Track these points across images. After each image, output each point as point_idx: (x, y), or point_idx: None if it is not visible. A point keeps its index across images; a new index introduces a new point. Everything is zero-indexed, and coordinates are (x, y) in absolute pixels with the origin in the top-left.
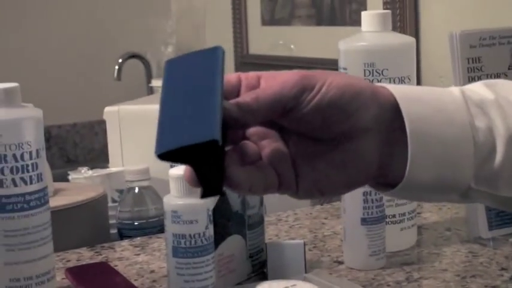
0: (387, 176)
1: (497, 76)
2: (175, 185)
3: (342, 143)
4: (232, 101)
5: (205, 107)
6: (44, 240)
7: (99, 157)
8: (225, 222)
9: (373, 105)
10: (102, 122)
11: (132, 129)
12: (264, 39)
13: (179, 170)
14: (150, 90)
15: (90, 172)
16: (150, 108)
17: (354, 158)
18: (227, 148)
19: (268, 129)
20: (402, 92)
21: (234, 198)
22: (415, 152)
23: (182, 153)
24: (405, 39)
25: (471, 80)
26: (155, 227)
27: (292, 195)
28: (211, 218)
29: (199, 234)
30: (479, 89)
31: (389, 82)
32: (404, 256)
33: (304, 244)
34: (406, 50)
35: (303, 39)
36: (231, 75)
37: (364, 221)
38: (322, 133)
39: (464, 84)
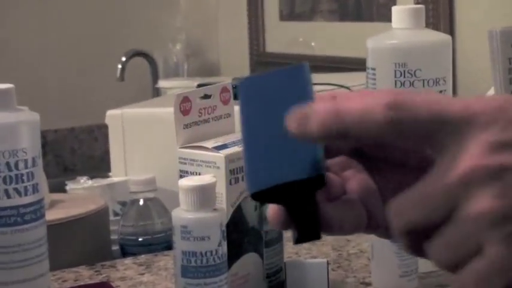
0: None
1: None
2: (185, 198)
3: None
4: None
5: (298, 140)
6: (40, 257)
7: (99, 165)
8: (240, 238)
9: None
10: (103, 127)
11: (137, 135)
12: (283, 36)
13: (190, 180)
14: (156, 92)
15: (89, 182)
16: (156, 112)
17: None
18: None
19: (348, 158)
20: None
21: (250, 211)
22: None
23: (280, 191)
24: (440, 36)
25: None
26: (161, 244)
27: (382, 235)
28: (225, 234)
29: (211, 251)
30: None
31: (423, 84)
32: (439, 277)
33: (328, 263)
34: (441, 48)
35: (325, 36)
36: None
37: None
38: (413, 160)
39: (505, 87)
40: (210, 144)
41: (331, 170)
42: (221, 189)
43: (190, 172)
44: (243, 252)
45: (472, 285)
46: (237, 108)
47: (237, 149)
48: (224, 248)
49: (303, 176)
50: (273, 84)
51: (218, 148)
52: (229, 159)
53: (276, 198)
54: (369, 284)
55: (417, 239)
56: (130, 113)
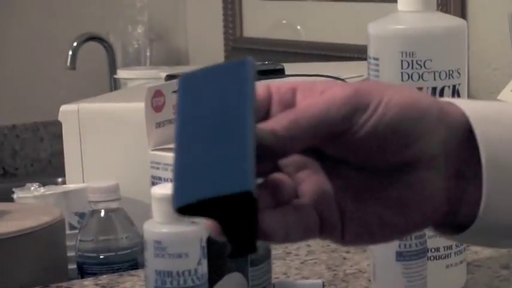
0: (455, 217)
1: None
2: (159, 208)
3: (400, 175)
4: (266, 126)
5: (233, 142)
6: None
7: (45, 169)
8: (221, 256)
9: (441, 129)
10: (50, 124)
11: (96, 135)
12: (264, 19)
13: (164, 188)
14: (114, 83)
15: (41, 189)
16: (120, 107)
17: (414, 195)
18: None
19: (305, 157)
20: (476, 111)
21: None
22: (492, 186)
23: (207, 205)
24: (454, 21)
25: None
26: (126, 262)
27: (336, 241)
28: (205, 250)
29: (189, 271)
30: None
31: (434, 77)
32: None
33: (324, 285)
34: (455, 35)
35: (315, 19)
36: (257, 88)
37: (400, 255)
38: (375, 163)
39: None
40: None
41: (284, 170)
42: None
43: (164, 178)
44: (225, 272)
45: None
46: None
47: None
48: (204, 266)
49: (229, 190)
50: (212, 81)
51: None
52: None
53: (203, 212)
54: None
55: None
56: (89, 109)
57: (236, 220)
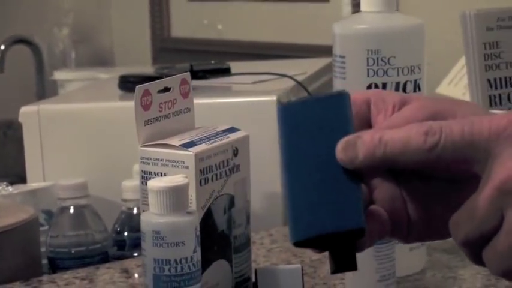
0: None
1: None
2: (156, 200)
3: (461, 183)
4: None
5: (341, 181)
6: None
7: None
8: (209, 244)
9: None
10: None
11: (56, 135)
12: (192, 19)
13: (160, 181)
14: (41, 83)
15: (10, 188)
16: (79, 108)
17: None
18: None
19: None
20: None
21: (219, 215)
22: None
23: (321, 239)
24: (414, 21)
25: (488, 69)
26: (97, 256)
27: (400, 240)
28: (199, 239)
29: (186, 258)
30: None
31: (397, 72)
32: (416, 282)
33: (302, 269)
34: (416, 33)
35: (241, 19)
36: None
37: None
38: (439, 173)
39: (480, 74)
40: (175, 141)
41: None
42: (190, 190)
43: (155, 173)
44: (212, 259)
45: None
46: (197, 102)
47: (206, 146)
48: (199, 254)
49: (345, 227)
50: (311, 114)
51: (186, 146)
52: (199, 157)
53: (317, 244)
54: None
55: (478, 249)
56: (49, 110)
57: (343, 247)
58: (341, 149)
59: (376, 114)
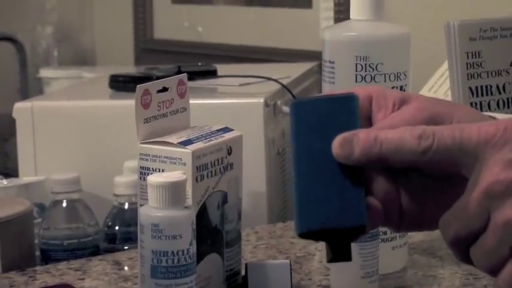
0: None
1: (498, 74)
2: (155, 195)
3: (450, 182)
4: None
5: (346, 178)
6: None
7: None
8: (204, 238)
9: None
10: None
11: (49, 131)
12: (175, 21)
13: (159, 177)
14: (25, 81)
15: (4, 182)
16: (72, 105)
17: None
18: None
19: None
20: None
21: (213, 210)
22: None
23: (324, 232)
24: (401, 29)
25: (470, 77)
26: (89, 248)
27: (392, 229)
28: (195, 232)
29: (182, 251)
30: None
31: (384, 79)
32: (398, 279)
33: (290, 264)
34: (402, 41)
35: (224, 22)
36: None
37: None
38: (429, 172)
39: (463, 83)
40: (173, 139)
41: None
42: (187, 186)
43: (153, 169)
44: (205, 253)
45: (506, 286)
46: (193, 103)
47: (202, 144)
48: (194, 247)
49: (348, 224)
50: (321, 112)
51: (183, 143)
52: (196, 155)
53: (319, 237)
54: (327, 286)
55: (466, 247)
56: (42, 106)
57: (342, 240)
58: (338, 145)
59: (377, 110)
